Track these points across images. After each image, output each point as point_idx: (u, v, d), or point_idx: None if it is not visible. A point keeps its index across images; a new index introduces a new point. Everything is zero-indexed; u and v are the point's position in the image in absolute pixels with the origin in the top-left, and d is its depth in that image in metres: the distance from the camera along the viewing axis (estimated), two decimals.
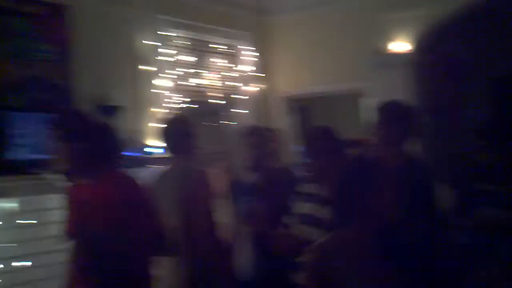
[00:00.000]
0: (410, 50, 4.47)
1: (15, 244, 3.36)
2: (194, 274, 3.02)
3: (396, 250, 1.95)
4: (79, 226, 2.43)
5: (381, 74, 4.52)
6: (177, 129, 3.20)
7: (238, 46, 5.30)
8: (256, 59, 5.38)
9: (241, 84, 5.28)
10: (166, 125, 3.25)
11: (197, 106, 4.79)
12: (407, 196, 2.16)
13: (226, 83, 5.14)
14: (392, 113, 2.74)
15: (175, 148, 3.20)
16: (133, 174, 2.57)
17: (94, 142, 2.44)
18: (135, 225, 2.34)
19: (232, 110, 5.25)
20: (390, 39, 4.70)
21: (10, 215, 3.37)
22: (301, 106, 5.84)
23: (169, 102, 4.48)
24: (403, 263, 1.93)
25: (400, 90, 3.56)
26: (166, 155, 3.49)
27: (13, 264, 3.38)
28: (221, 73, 5.09)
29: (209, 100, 4.98)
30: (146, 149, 4.04)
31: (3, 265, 3.32)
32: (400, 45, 4.63)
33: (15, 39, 3.56)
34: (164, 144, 3.29)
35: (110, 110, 3.88)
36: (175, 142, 3.19)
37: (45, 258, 3.48)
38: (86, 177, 2.43)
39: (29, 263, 3.41)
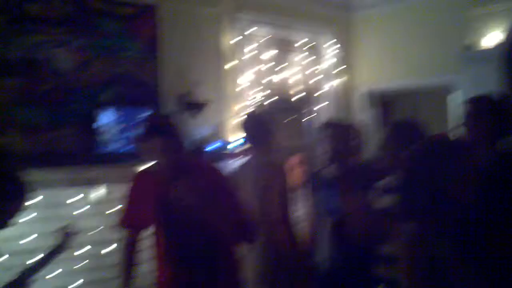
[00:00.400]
0: (501, 44, 4.30)
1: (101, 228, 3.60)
2: (271, 262, 3.10)
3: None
4: (166, 217, 2.56)
5: (471, 69, 4.39)
6: (258, 123, 3.32)
7: (321, 41, 5.30)
8: (339, 54, 5.37)
9: (323, 79, 5.28)
10: (247, 119, 3.36)
11: (279, 101, 4.85)
12: (492, 193, 1.96)
13: (308, 78, 5.16)
14: (484, 106, 2.63)
15: (255, 141, 3.31)
16: (217, 167, 2.68)
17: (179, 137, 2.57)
18: (221, 214, 2.43)
19: (314, 104, 5.27)
20: (479, 33, 4.55)
21: (99, 202, 3.60)
22: (384, 101, 5.77)
23: (252, 98, 4.57)
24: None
25: (491, 85, 3.45)
26: (247, 148, 3.63)
27: (102, 251, 3.63)
28: (303, 68, 5.11)
29: (291, 95, 5.02)
30: (230, 143, 4.15)
31: (92, 248, 3.55)
32: (490, 39, 4.48)
33: (106, 39, 3.77)
34: (245, 138, 3.40)
35: (196, 106, 4.02)
36: (255, 135, 3.31)
37: None
38: (172, 169, 2.54)
39: (115, 247, 3.61)
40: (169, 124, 2.57)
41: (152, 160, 2.61)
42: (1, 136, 3.29)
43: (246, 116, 3.44)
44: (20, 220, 3.16)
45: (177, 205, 2.51)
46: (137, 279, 2.72)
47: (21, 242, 3.29)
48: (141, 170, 2.79)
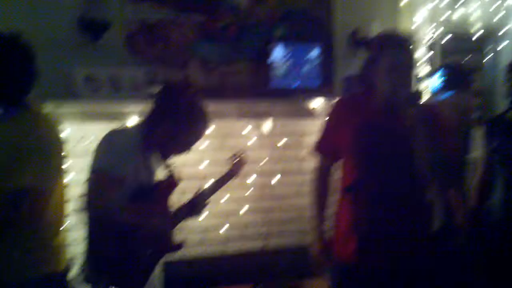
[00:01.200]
0: None
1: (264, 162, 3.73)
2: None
3: None
4: (368, 148, 2.41)
5: None
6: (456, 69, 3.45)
7: None
8: None
9: (506, 16, 4.81)
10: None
11: (457, 40, 4.54)
12: None
13: (490, 15, 4.74)
14: None
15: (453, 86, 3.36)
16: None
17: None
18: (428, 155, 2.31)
19: (496, 44, 4.86)
20: None
21: (267, 135, 3.73)
22: None
23: (428, 36, 4.33)
24: None
25: None
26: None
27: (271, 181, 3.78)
28: (485, 4, 4.69)
29: (471, 34, 4.67)
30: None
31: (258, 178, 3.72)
32: None
33: None
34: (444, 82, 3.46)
35: (365, 42, 3.91)
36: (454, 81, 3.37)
37: (291, 178, 3.81)
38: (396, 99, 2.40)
39: (279, 178, 3.77)
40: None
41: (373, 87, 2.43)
42: (184, 68, 3.51)
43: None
44: (198, 148, 3.43)
45: (387, 137, 2.37)
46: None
47: (198, 167, 3.54)
48: (344, 97, 2.73)
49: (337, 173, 2.60)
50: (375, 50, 2.40)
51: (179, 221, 2.60)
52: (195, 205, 2.62)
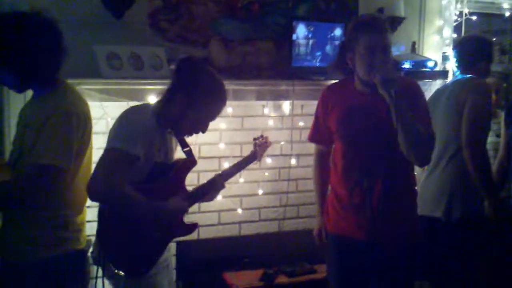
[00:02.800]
0: None
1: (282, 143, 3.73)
2: None
3: None
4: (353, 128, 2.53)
5: None
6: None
7: None
8: None
9: None
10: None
11: (483, 19, 4.44)
12: None
13: None
14: None
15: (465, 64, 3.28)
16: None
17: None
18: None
19: None
20: None
21: (287, 116, 3.72)
22: None
23: (454, 15, 4.24)
24: None
25: None
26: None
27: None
28: None
29: (497, 13, 4.55)
30: (427, 62, 3.93)
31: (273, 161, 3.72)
32: None
33: None
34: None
35: (392, 21, 3.84)
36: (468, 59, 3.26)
37: (308, 160, 3.75)
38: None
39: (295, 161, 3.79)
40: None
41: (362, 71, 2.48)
42: (206, 47, 3.51)
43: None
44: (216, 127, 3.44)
45: (368, 119, 2.46)
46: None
47: (216, 147, 3.54)
48: (329, 85, 2.78)
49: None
50: (349, 36, 2.50)
51: (196, 202, 2.63)
52: (213, 187, 2.65)
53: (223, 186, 2.69)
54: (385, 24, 2.47)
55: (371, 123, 2.45)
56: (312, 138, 2.82)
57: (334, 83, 2.76)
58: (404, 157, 2.38)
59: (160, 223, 2.32)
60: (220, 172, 2.76)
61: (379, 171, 2.45)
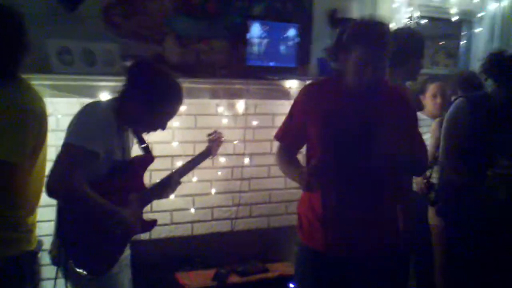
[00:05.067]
0: None
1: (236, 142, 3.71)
2: None
3: None
4: (334, 132, 2.36)
5: None
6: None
7: None
8: None
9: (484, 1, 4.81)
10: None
11: (434, 22, 4.55)
12: None
13: None
14: None
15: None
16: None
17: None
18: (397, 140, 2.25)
19: (472, 29, 4.89)
20: None
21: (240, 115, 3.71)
22: None
23: (407, 17, 4.32)
24: None
25: None
26: None
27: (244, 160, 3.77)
28: None
29: (448, 17, 4.68)
30: None
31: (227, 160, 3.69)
32: None
33: None
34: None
35: (343, 23, 3.89)
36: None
37: (261, 159, 3.83)
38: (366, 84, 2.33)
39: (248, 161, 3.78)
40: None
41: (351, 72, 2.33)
42: (160, 44, 3.46)
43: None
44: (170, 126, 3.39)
45: (352, 121, 2.31)
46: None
47: (169, 145, 3.51)
48: (311, 83, 2.61)
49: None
50: (347, 37, 2.29)
51: (152, 200, 2.61)
52: (169, 184, 2.63)
53: (179, 183, 2.68)
54: (385, 36, 2.26)
55: (355, 130, 2.30)
56: (279, 137, 2.56)
57: (315, 83, 2.60)
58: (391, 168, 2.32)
59: (118, 221, 2.27)
60: (174, 170, 2.74)
61: (361, 183, 2.32)
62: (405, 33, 3.05)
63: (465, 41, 4.93)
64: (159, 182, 2.62)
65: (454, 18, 4.64)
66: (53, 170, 2.07)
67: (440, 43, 4.90)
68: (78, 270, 2.18)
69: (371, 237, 2.38)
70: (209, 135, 3.03)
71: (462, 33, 4.94)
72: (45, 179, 2.13)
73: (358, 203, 2.34)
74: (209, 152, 2.96)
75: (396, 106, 2.37)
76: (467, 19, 4.86)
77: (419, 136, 2.50)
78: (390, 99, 2.37)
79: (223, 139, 3.07)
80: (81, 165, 2.09)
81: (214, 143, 3.00)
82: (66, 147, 2.12)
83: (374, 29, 2.27)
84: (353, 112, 2.32)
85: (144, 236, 2.63)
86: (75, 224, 2.19)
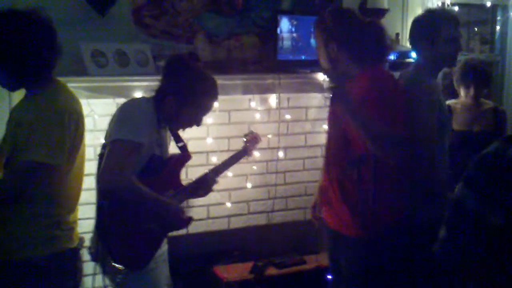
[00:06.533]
0: None
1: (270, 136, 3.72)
2: None
3: None
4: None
5: None
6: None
7: None
8: None
9: None
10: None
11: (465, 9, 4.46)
12: None
13: None
14: None
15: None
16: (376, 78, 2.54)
17: (354, 42, 2.46)
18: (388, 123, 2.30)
19: (507, 14, 4.78)
20: None
21: (273, 109, 3.72)
22: None
23: (433, 4, 4.25)
24: None
25: None
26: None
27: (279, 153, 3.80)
28: None
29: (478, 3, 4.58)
30: (410, 53, 3.94)
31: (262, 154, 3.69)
32: None
33: None
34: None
35: (375, 13, 3.86)
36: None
37: (296, 152, 3.84)
38: (346, 76, 2.47)
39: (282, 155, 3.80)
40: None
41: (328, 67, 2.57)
42: (191, 42, 3.52)
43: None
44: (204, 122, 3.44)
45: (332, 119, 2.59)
46: None
47: (204, 142, 3.55)
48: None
49: None
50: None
51: (189, 198, 2.65)
52: (206, 182, 2.66)
53: (215, 181, 2.71)
54: (319, 19, 2.63)
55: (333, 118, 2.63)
56: None
57: None
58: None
59: (160, 217, 2.34)
60: (212, 168, 2.77)
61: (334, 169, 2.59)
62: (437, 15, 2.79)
63: (500, 26, 4.83)
64: (195, 181, 2.64)
65: (488, 3, 4.55)
66: (104, 168, 2.14)
67: (475, 29, 4.81)
68: (115, 265, 2.24)
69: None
70: (246, 135, 3.03)
71: (497, 18, 4.84)
72: (96, 178, 2.21)
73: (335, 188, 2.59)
74: (245, 152, 2.98)
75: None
76: (502, 4, 4.76)
77: None
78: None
79: (259, 138, 3.07)
80: (130, 158, 2.16)
81: (250, 143, 3.01)
82: (114, 144, 2.18)
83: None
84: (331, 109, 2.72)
85: (182, 231, 2.67)
86: (114, 220, 2.24)
